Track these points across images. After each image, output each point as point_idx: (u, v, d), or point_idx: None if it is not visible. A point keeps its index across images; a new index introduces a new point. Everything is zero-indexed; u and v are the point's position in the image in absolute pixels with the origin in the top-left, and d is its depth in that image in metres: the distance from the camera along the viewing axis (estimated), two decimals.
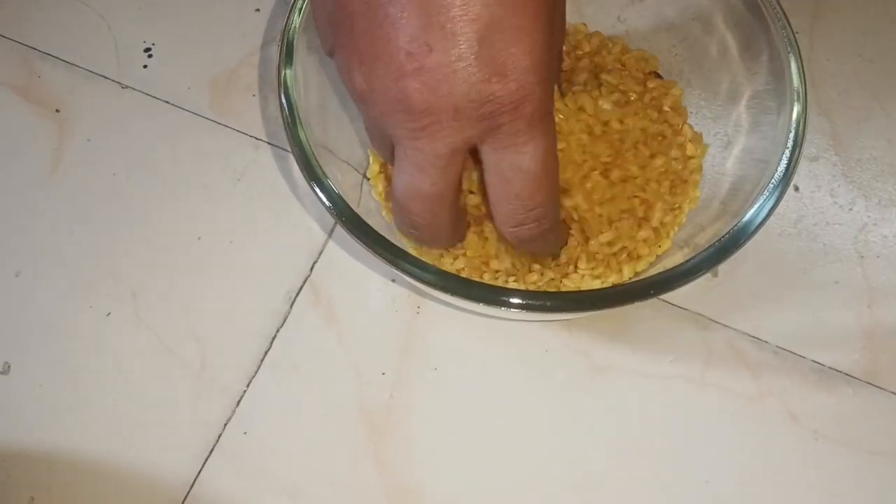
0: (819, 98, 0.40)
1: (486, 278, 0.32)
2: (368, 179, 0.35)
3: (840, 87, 0.40)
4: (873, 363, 0.35)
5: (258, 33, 0.41)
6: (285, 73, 0.30)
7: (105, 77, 0.40)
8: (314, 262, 0.36)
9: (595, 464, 0.33)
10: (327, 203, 0.28)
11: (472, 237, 0.32)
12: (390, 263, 0.28)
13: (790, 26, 0.31)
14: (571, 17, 0.39)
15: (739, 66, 0.34)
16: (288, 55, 0.30)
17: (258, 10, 0.42)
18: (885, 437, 0.33)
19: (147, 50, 0.41)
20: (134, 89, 0.40)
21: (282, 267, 0.36)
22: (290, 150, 0.29)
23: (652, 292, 0.28)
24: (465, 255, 0.32)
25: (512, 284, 0.32)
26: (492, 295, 0.27)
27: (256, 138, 0.39)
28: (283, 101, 0.29)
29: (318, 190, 0.28)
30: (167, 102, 0.40)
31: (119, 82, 0.40)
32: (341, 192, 0.29)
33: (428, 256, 0.32)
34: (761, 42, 0.33)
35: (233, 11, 0.42)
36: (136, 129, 0.39)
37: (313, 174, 0.28)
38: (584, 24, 0.38)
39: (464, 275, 0.32)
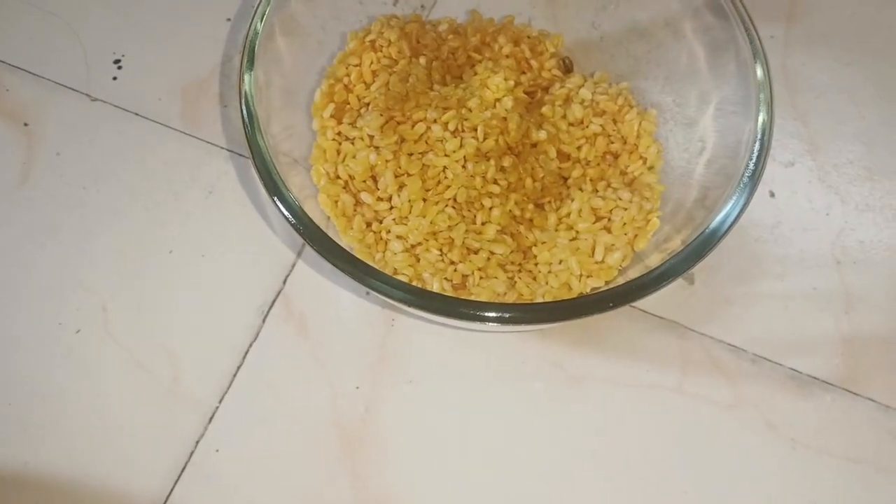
0: (795, 102, 0.40)
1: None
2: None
3: (816, 92, 0.40)
4: (851, 370, 0.34)
5: (229, 43, 0.41)
6: (246, 79, 0.30)
7: (74, 89, 0.40)
8: (287, 276, 0.36)
9: (573, 474, 0.33)
10: (289, 217, 0.27)
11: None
12: (358, 280, 0.27)
13: (757, 33, 0.31)
14: (546, 24, 0.39)
15: (707, 73, 0.34)
16: (249, 61, 0.30)
17: (229, 19, 0.41)
18: (863, 445, 0.33)
19: (117, 61, 0.40)
20: (103, 101, 0.39)
21: (254, 280, 0.36)
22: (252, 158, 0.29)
23: (610, 305, 0.28)
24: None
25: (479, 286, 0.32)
26: (454, 307, 0.26)
27: (228, 149, 0.38)
28: (243, 108, 0.29)
29: (278, 202, 0.28)
30: (137, 114, 0.39)
31: (88, 94, 0.40)
32: (307, 206, 0.28)
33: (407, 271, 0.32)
34: (729, 49, 0.33)
35: (204, 22, 0.41)
36: (106, 141, 0.39)
37: (274, 186, 0.28)
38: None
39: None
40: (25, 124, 0.39)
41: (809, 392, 0.34)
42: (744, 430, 0.33)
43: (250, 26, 0.31)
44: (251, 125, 0.30)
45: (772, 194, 0.38)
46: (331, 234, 0.29)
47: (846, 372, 0.34)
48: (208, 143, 0.39)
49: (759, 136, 0.30)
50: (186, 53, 0.40)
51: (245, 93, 0.30)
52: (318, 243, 0.27)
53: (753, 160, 0.30)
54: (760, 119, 0.30)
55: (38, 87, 0.40)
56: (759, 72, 0.30)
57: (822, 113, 0.39)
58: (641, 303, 0.35)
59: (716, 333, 0.35)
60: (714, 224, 0.29)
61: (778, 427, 0.33)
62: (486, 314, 0.26)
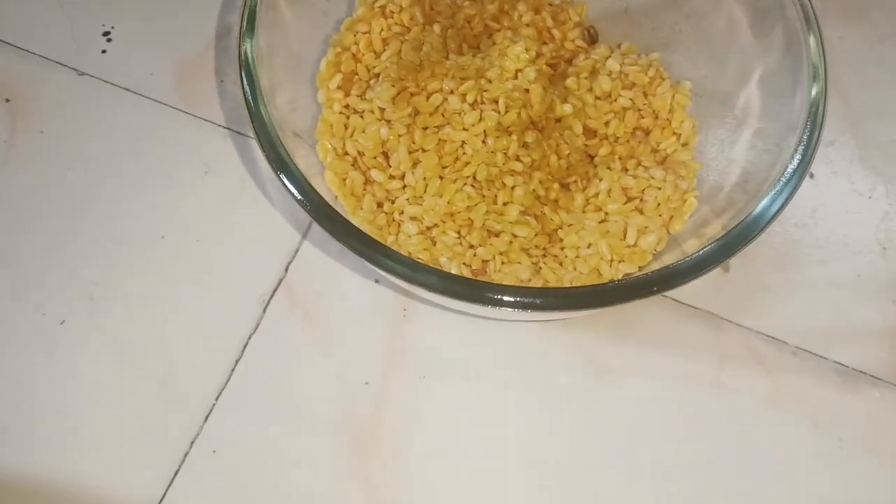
0: (833, 79, 0.36)
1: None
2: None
3: (855, 67, 0.37)
4: None
5: (226, 15, 0.38)
6: (246, 45, 0.27)
7: (60, 63, 0.37)
8: (289, 262, 0.33)
9: (601, 474, 0.30)
10: (295, 193, 0.25)
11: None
12: (371, 261, 0.25)
13: None
14: None
15: (750, 42, 0.32)
16: (249, 25, 0.27)
17: None
18: None
19: (106, 34, 0.38)
20: (92, 76, 0.37)
21: (254, 267, 0.33)
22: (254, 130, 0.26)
23: (655, 289, 0.26)
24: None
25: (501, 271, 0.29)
26: (478, 291, 0.24)
27: (225, 127, 0.36)
28: (244, 76, 0.27)
29: (283, 177, 0.25)
30: (128, 90, 0.37)
31: (76, 69, 0.37)
32: (312, 181, 0.26)
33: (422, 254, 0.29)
34: (774, 15, 0.30)
35: None
36: (95, 118, 0.36)
37: (279, 160, 0.25)
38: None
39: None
40: (7, 100, 0.37)
41: (856, 387, 0.32)
42: (786, 428, 0.31)
43: None
44: (253, 94, 0.27)
45: (811, 175, 0.35)
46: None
47: (895, 365, 0.32)
48: (204, 119, 0.36)
49: (811, 111, 0.27)
50: (180, 25, 0.38)
51: (245, 60, 0.28)
52: (328, 221, 0.25)
53: (804, 140, 0.27)
54: (813, 91, 0.27)
55: (22, 61, 0.37)
56: (813, 41, 0.28)
57: (861, 89, 0.37)
58: (673, 292, 0.33)
59: (754, 324, 0.32)
60: (760, 209, 0.27)
61: (823, 424, 0.31)
62: (517, 300, 0.24)
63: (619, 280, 0.29)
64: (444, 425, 0.31)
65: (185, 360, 0.32)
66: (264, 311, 0.33)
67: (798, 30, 0.28)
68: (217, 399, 0.31)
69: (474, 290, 0.24)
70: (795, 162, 0.27)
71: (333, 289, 0.33)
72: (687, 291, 0.33)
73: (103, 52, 0.38)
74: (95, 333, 0.32)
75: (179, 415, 0.31)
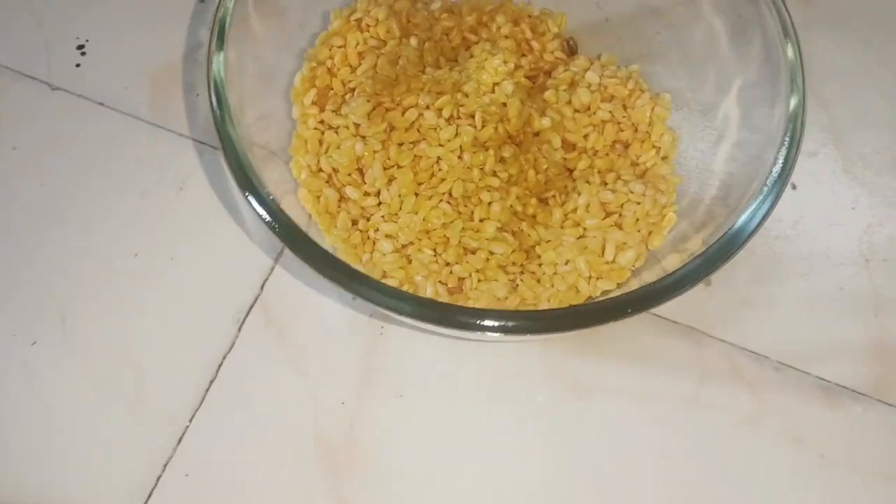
0: (816, 88, 0.37)
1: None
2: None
3: (839, 77, 0.37)
4: (883, 378, 0.32)
5: (202, 27, 0.38)
6: (216, 61, 0.27)
7: (33, 77, 0.37)
8: (265, 280, 0.33)
9: (579, 494, 0.30)
10: (264, 215, 0.24)
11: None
12: (342, 286, 0.24)
13: (786, 8, 0.28)
14: (547, 2, 0.36)
15: (729, 54, 0.31)
16: (219, 41, 0.27)
17: (202, 0, 0.38)
18: None
19: (80, 47, 0.37)
20: (65, 90, 0.36)
21: (229, 285, 0.33)
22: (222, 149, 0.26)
23: (629, 311, 0.25)
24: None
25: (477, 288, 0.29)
26: (452, 316, 0.23)
27: (201, 142, 0.35)
28: (212, 96, 0.26)
29: (251, 199, 0.24)
30: (101, 104, 0.36)
31: (48, 83, 0.36)
32: (285, 202, 0.25)
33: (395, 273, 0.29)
34: (753, 27, 0.30)
35: (175, 3, 0.38)
36: (67, 134, 0.36)
37: (247, 182, 0.25)
38: None
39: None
40: None
41: (838, 402, 0.31)
42: (767, 445, 0.31)
43: (220, 2, 0.28)
44: (221, 113, 0.27)
45: (793, 186, 0.35)
46: (312, 233, 0.26)
47: (878, 380, 0.32)
48: (179, 134, 0.35)
49: (789, 123, 0.27)
50: (155, 38, 0.37)
51: (214, 77, 0.27)
52: (297, 245, 0.24)
53: (784, 152, 0.27)
54: (792, 104, 0.27)
55: None
56: (791, 52, 0.27)
57: (844, 100, 0.37)
58: None
59: (736, 339, 0.32)
60: (740, 222, 0.26)
61: (805, 441, 0.31)
62: (488, 323, 0.23)
63: (595, 301, 0.28)
64: (421, 445, 0.30)
65: (158, 381, 0.31)
66: (239, 329, 0.32)
67: (776, 40, 0.28)
68: (191, 421, 0.31)
69: (447, 315, 0.23)
70: (775, 174, 0.27)
71: (310, 307, 0.32)
72: (667, 305, 0.32)
73: (77, 65, 0.37)
74: (67, 355, 0.31)
75: (152, 437, 0.30)
